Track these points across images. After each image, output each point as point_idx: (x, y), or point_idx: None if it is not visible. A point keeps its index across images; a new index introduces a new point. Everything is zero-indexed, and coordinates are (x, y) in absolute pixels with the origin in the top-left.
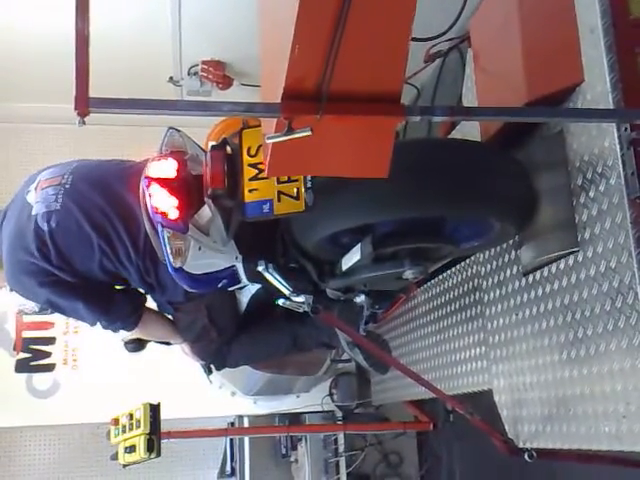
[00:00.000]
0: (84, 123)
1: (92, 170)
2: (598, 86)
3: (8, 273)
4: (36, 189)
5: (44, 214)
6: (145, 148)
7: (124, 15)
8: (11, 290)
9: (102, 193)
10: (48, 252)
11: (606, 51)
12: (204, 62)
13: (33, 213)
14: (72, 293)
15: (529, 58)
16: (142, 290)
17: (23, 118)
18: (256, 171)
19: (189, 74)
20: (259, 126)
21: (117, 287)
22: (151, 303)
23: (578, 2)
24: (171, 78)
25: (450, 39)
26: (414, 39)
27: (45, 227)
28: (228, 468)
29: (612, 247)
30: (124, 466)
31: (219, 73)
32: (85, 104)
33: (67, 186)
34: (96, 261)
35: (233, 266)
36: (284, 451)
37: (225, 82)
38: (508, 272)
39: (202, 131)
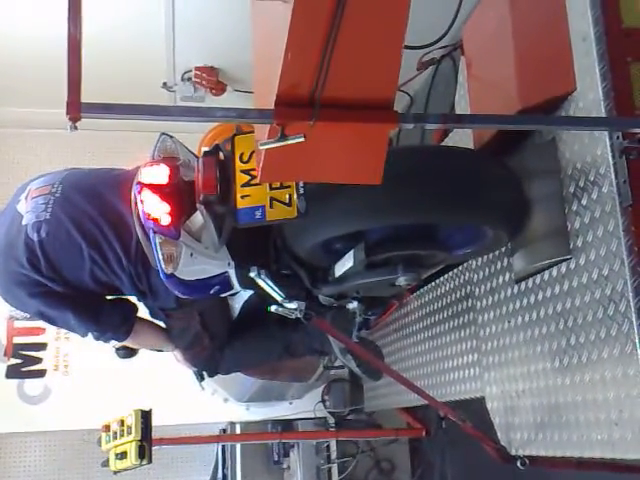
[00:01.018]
0: (76, 128)
1: (82, 178)
2: (590, 94)
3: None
4: (26, 198)
5: (34, 224)
6: (138, 154)
7: (118, 20)
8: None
9: (92, 201)
10: (38, 262)
11: (598, 59)
12: (197, 68)
13: (23, 223)
14: (62, 304)
15: (521, 66)
16: (134, 297)
17: (18, 123)
18: (248, 177)
19: (182, 80)
20: (252, 132)
21: (108, 297)
22: (143, 310)
23: (570, 10)
24: (165, 84)
25: (443, 47)
26: (407, 47)
27: (35, 237)
28: (220, 475)
29: (604, 255)
30: (115, 473)
31: (212, 79)
32: (77, 109)
33: (57, 195)
34: (87, 270)
35: (225, 272)
36: (276, 458)
37: (218, 88)
38: (501, 279)
39: (195, 137)
